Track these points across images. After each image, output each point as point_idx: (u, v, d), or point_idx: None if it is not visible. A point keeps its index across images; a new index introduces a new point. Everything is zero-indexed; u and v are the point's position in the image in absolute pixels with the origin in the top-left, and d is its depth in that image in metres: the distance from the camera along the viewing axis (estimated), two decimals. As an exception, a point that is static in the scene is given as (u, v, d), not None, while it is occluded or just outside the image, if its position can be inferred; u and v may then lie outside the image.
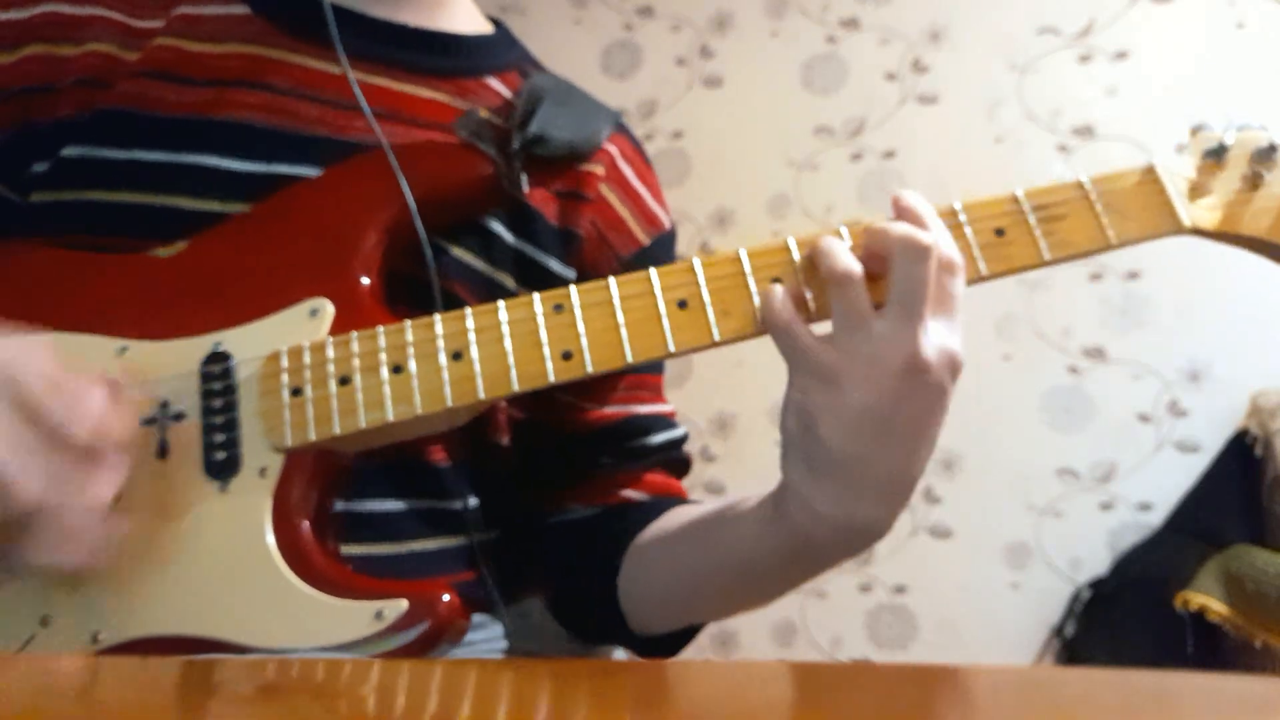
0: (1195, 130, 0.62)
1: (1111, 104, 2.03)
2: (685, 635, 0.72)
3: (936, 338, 0.54)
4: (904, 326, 0.53)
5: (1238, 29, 1.98)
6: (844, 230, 0.59)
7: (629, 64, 2.31)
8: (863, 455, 0.54)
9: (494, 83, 0.75)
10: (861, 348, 0.54)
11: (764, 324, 0.57)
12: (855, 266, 0.55)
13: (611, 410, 0.76)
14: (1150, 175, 0.61)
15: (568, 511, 0.75)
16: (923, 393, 0.54)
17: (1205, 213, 0.60)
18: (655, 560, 0.69)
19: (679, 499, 0.76)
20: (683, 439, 0.79)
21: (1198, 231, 0.60)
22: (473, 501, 0.72)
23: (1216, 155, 0.60)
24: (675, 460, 0.78)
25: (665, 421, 0.78)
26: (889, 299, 0.54)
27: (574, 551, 0.74)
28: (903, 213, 0.57)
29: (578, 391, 0.74)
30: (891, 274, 0.54)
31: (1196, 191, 0.60)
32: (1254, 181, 0.59)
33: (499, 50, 0.78)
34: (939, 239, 0.55)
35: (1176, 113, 1.99)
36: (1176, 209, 0.59)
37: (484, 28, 0.79)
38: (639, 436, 0.76)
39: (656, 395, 0.79)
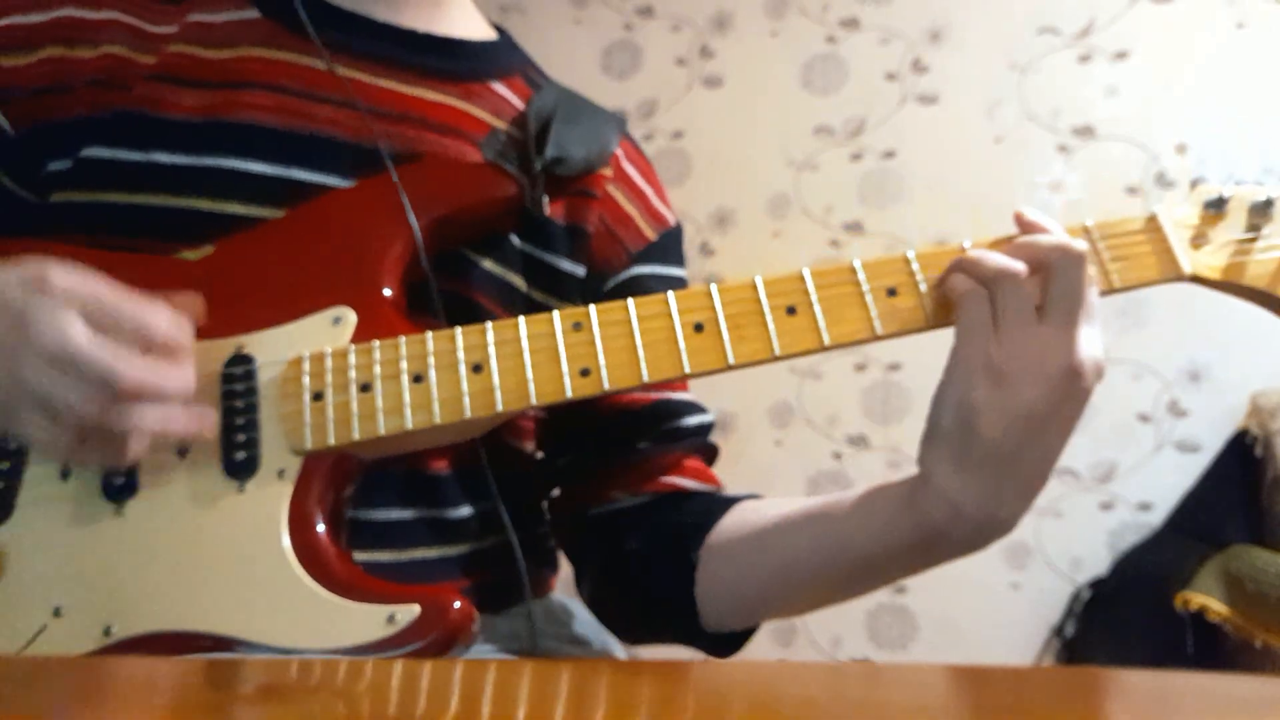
0: (1195, 183, 0.65)
1: (1111, 104, 2.03)
2: (746, 635, 0.73)
3: (1089, 345, 0.57)
4: (1065, 331, 0.57)
5: (1238, 29, 1.98)
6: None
7: (629, 64, 2.31)
8: (1015, 453, 0.57)
9: (499, 87, 0.76)
10: (1030, 347, 0.56)
11: (960, 307, 0.58)
12: (1021, 265, 0.58)
13: (641, 394, 0.76)
14: (1153, 223, 0.63)
15: (612, 501, 0.75)
16: (1076, 396, 0.57)
17: (1206, 260, 0.62)
18: (750, 556, 0.68)
19: (722, 492, 0.76)
20: (713, 424, 0.80)
21: (1198, 279, 0.63)
22: (470, 510, 0.72)
23: (1216, 207, 0.63)
24: (707, 447, 0.79)
25: (697, 406, 0.79)
26: (1049, 305, 0.57)
27: (630, 543, 0.73)
28: (1029, 226, 0.61)
29: None
30: (1052, 281, 0.57)
31: (1198, 240, 0.63)
32: (1253, 234, 0.62)
33: (503, 55, 0.79)
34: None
35: (1176, 113, 1.99)
36: (1178, 257, 0.62)
37: (488, 33, 0.80)
38: (674, 419, 0.77)
39: (683, 383, 0.80)
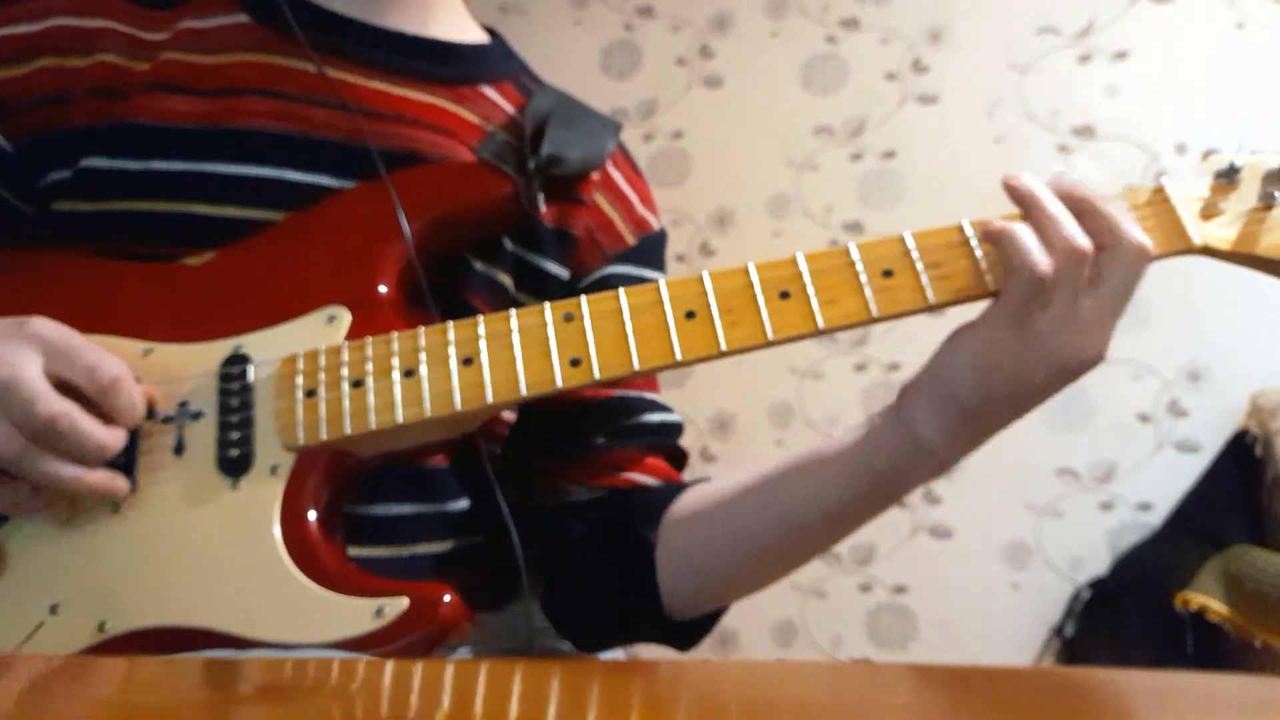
0: (1207, 154, 0.62)
1: (1111, 104, 2.03)
2: (711, 621, 0.72)
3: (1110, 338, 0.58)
4: (1103, 326, 0.58)
5: (1238, 29, 1.98)
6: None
7: (629, 64, 2.31)
8: (1002, 421, 0.61)
9: (490, 91, 0.76)
10: (1063, 332, 0.57)
11: (1019, 301, 0.57)
12: (1090, 246, 0.57)
13: (604, 390, 0.75)
14: (1159, 194, 0.60)
15: (568, 493, 0.74)
16: (1070, 372, 0.59)
17: (1218, 232, 0.60)
18: (712, 526, 0.69)
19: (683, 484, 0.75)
20: (678, 425, 0.78)
21: (1208, 251, 0.60)
22: (470, 503, 0.72)
23: (1228, 176, 0.60)
24: (674, 451, 0.78)
25: (658, 404, 0.78)
26: (1100, 297, 0.57)
27: (579, 529, 0.72)
28: (1023, 198, 0.59)
29: None
30: (1112, 273, 0.57)
31: (1208, 211, 0.60)
32: (1268, 202, 0.59)
33: (495, 60, 0.79)
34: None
35: (1176, 113, 1.99)
36: (1187, 228, 0.59)
37: (479, 36, 0.80)
38: (632, 415, 0.76)
39: (649, 384, 0.79)
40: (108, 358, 0.59)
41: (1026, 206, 0.58)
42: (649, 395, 0.78)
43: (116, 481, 0.59)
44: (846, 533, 0.68)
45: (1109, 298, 0.57)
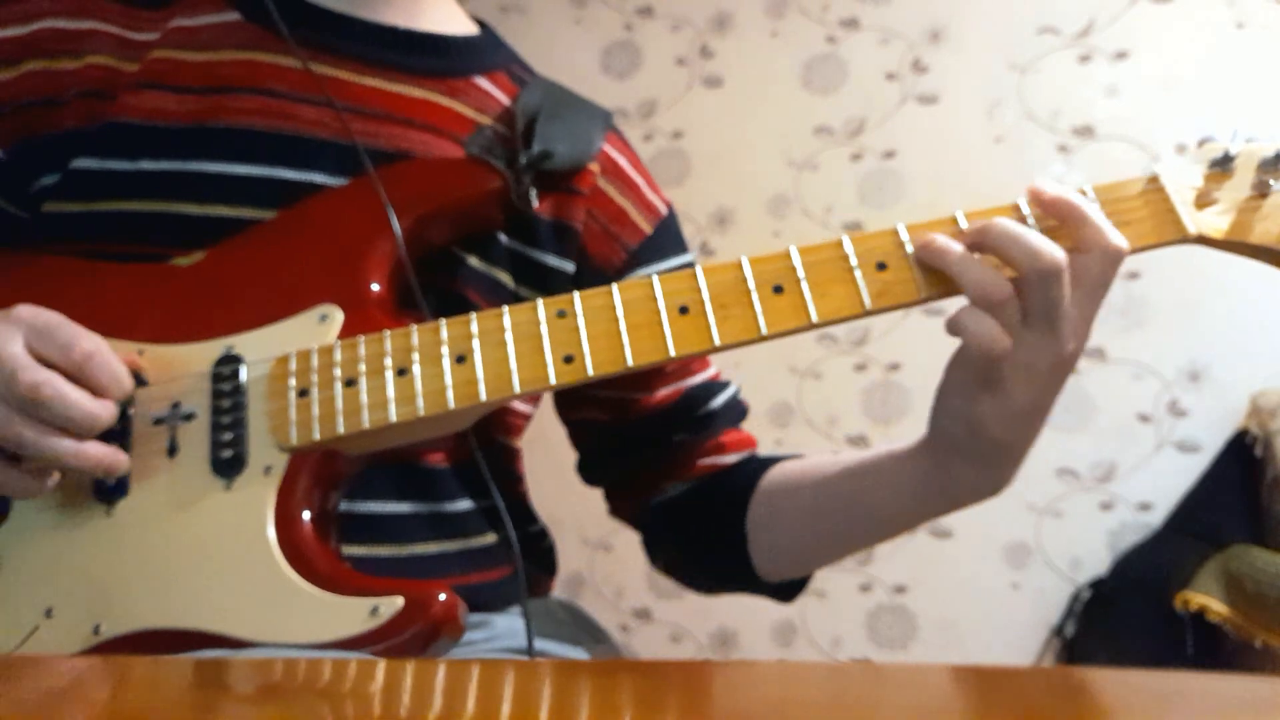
0: (1202, 142, 0.62)
1: (1111, 104, 2.03)
2: (807, 578, 0.80)
3: (1073, 332, 0.58)
4: (1049, 333, 0.57)
5: (1238, 29, 1.98)
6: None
7: (629, 64, 2.31)
8: (1018, 439, 0.62)
9: (482, 82, 0.76)
10: (1019, 354, 0.58)
11: (976, 337, 0.57)
12: (1009, 288, 0.56)
13: (666, 391, 0.79)
14: (1154, 184, 0.60)
15: (665, 492, 0.81)
16: (1063, 376, 0.60)
17: (1212, 221, 0.59)
18: (788, 528, 0.75)
19: (757, 455, 0.82)
20: (737, 392, 0.84)
21: (1203, 240, 0.60)
22: (469, 504, 0.72)
23: (1222, 165, 0.60)
24: (739, 414, 0.83)
25: (719, 384, 0.82)
26: (1030, 316, 0.57)
27: (686, 528, 0.80)
28: (1048, 205, 0.59)
29: (629, 386, 0.78)
30: (1029, 295, 0.57)
31: (1202, 200, 0.60)
32: (1261, 190, 0.59)
33: (486, 51, 0.79)
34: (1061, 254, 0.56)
35: (1176, 113, 1.99)
36: (1181, 217, 0.59)
37: (470, 29, 0.80)
38: (701, 405, 0.80)
39: (703, 363, 0.82)
40: (83, 333, 0.59)
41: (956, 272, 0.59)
42: (707, 377, 0.82)
43: (116, 455, 0.58)
44: (899, 533, 0.74)
45: (1042, 316, 0.57)
